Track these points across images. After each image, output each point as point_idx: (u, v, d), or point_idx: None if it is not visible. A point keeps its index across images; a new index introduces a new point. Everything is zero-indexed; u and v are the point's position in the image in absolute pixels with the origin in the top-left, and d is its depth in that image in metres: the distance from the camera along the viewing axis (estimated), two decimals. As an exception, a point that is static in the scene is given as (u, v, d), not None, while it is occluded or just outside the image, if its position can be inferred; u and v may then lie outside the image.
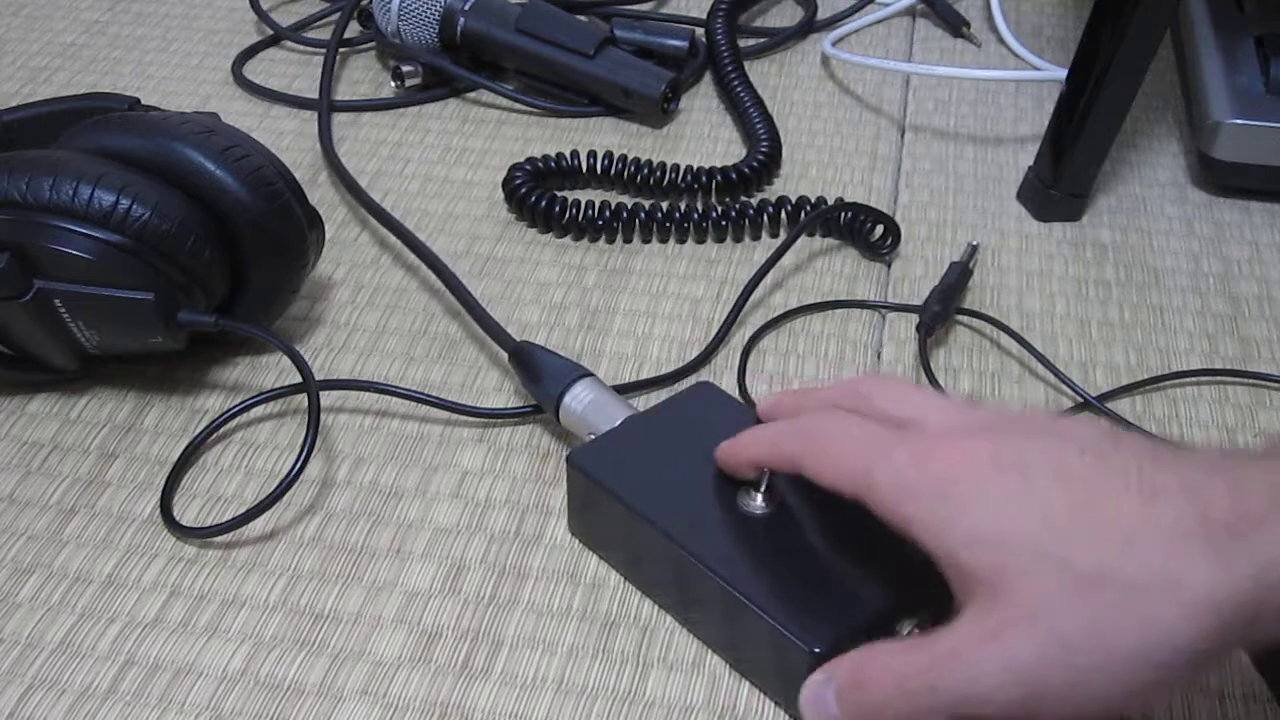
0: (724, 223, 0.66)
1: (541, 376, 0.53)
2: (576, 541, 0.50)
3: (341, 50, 0.81)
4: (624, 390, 0.57)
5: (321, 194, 0.68)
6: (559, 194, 0.67)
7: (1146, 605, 0.34)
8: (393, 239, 0.65)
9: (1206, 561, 0.34)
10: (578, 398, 0.52)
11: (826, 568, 0.44)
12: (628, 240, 0.66)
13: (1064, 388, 0.58)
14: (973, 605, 0.37)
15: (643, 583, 0.48)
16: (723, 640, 0.46)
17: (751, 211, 0.66)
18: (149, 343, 0.53)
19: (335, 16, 0.83)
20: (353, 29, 0.82)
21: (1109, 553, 0.35)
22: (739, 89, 0.75)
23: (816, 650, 0.41)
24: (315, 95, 0.76)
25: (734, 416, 0.50)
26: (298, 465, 0.50)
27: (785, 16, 0.86)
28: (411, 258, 0.64)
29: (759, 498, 0.46)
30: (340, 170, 0.69)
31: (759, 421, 0.47)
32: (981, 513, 0.37)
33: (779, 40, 0.82)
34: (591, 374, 0.53)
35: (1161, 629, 0.34)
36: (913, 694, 0.37)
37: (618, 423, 0.50)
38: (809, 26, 0.83)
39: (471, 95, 0.78)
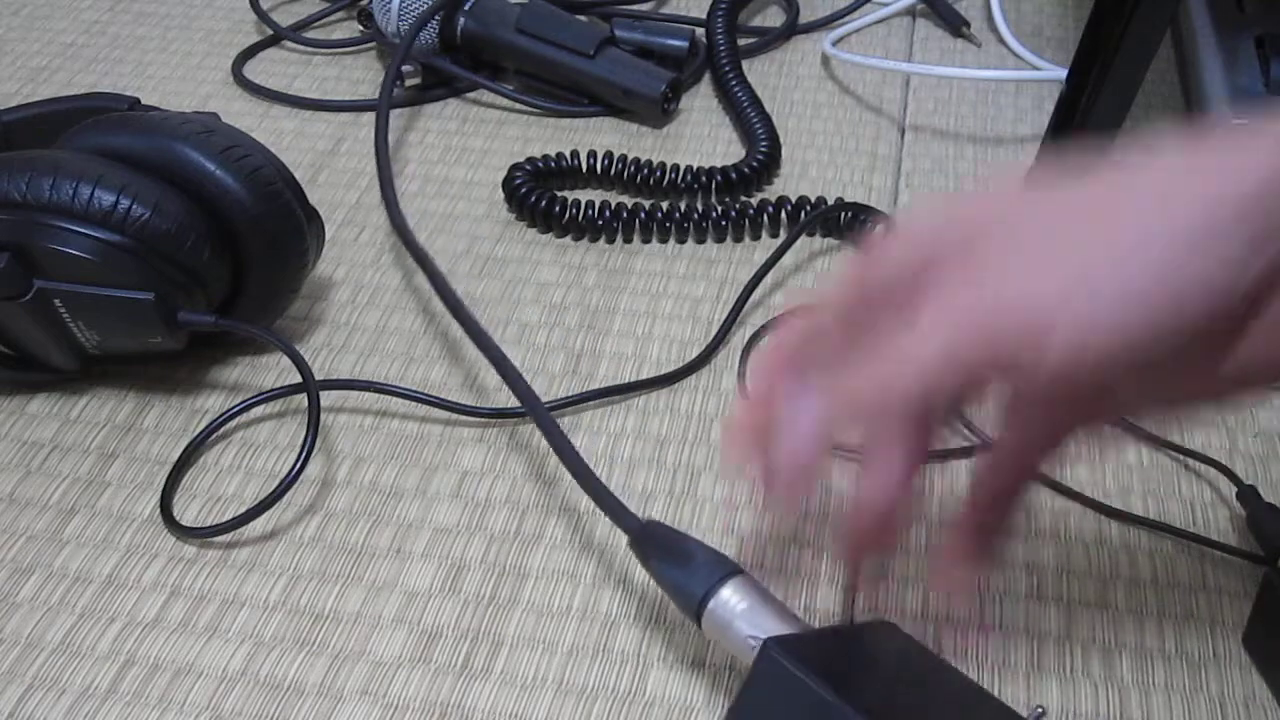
0: (724, 223, 0.65)
1: (679, 564, 0.43)
2: (577, 541, 0.50)
3: (341, 50, 0.81)
4: (624, 390, 0.57)
5: (321, 194, 0.68)
6: (559, 194, 0.67)
7: (1176, 188, 0.34)
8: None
9: (1221, 152, 0.34)
10: (725, 604, 0.41)
11: None
12: (628, 240, 0.66)
13: (1064, 388, 0.57)
14: None
15: None
16: None
17: (751, 211, 0.66)
18: (149, 343, 0.53)
19: (336, 16, 0.84)
20: (352, 29, 0.82)
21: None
22: (736, 89, 0.75)
23: None
24: (316, 95, 0.76)
25: None
26: (298, 465, 0.50)
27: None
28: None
29: None
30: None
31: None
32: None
33: (769, 40, 0.82)
34: (743, 571, 0.42)
35: (1193, 205, 0.33)
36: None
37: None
38: (793, 28, 0.84)
39: (471, 95, 0.77)
